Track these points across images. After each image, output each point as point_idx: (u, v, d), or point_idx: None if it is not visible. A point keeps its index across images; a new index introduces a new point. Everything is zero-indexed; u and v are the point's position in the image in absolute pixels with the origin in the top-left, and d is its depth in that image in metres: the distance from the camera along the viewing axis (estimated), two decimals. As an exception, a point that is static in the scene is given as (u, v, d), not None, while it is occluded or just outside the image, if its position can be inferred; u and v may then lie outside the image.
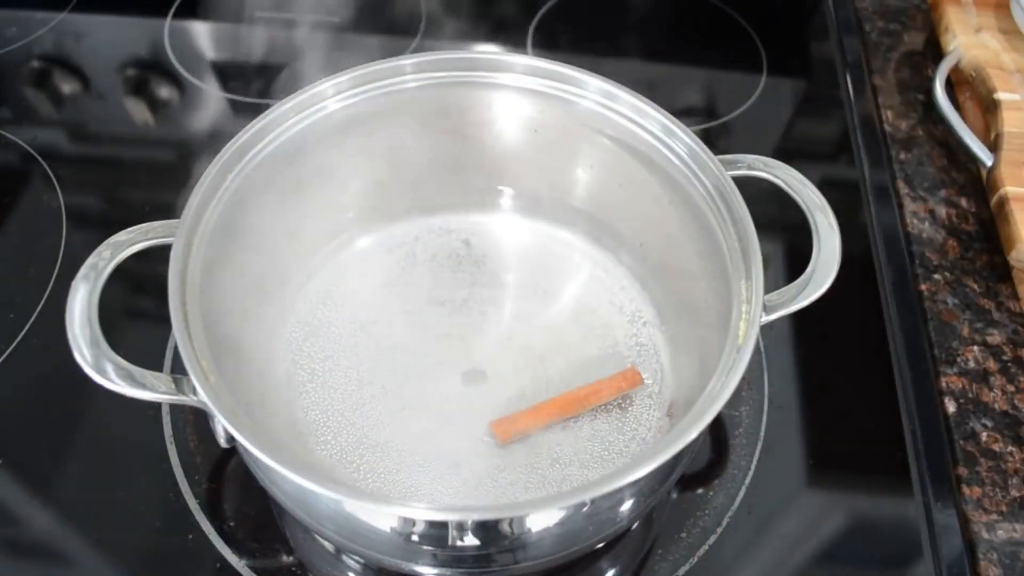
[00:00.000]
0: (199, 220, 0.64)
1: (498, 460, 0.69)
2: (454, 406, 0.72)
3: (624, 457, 0.70)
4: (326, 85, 0.73)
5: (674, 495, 0.71)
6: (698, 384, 0.62)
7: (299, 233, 0.76)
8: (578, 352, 0.76)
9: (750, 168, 0.70)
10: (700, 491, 0.72)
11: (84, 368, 0.57)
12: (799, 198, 0.68)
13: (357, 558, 0.67)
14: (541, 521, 0.56)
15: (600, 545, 0.66)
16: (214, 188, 0.66)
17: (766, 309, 0.62)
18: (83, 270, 0.60)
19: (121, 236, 0.62)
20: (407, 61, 0.75)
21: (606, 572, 0.69)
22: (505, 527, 0.56)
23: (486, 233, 0.83)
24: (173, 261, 0.61)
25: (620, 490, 0.55)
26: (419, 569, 0.60)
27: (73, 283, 0.59)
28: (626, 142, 0.74)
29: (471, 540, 0.57)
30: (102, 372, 0.57)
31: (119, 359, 0.58)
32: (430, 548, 0.58)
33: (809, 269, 0.65)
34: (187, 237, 0.63)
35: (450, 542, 0.57)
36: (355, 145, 0.77)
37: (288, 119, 0.71)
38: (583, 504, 0.55)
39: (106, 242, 0.61)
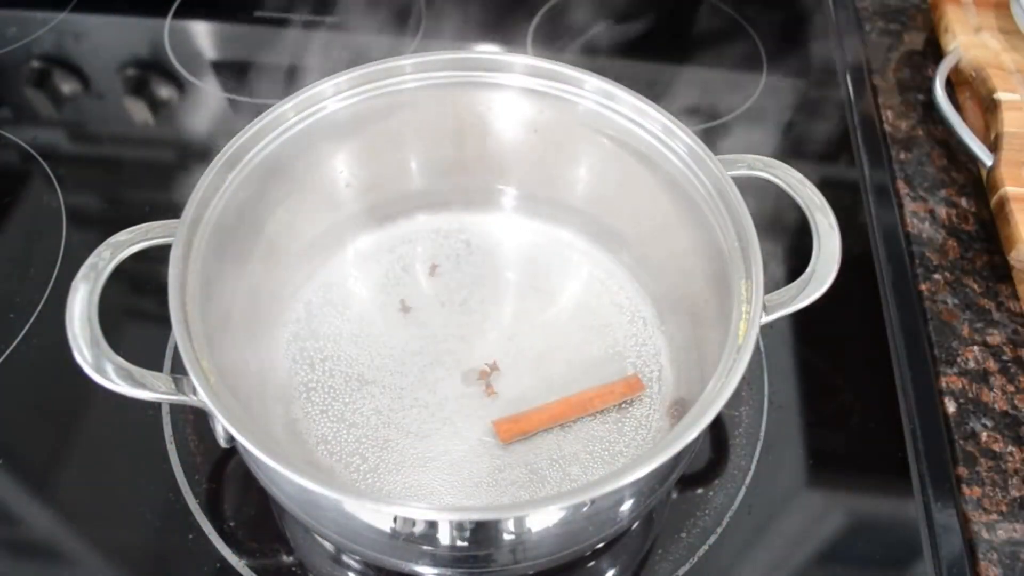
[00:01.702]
0: (199, 220, 0.64)
1: (498, 460, 0.69)
2: (454, 406, 0.72)
3: (624, 457, 0.70)
4: (326, 85, 0.73)
5: (674, 495, 0.71)
6: (698, 384, 0.62)
7: (299, 233, 0.76)
8: (578, 352, 0.76)
9: (750, 168, 0.70)
10: (700, 491, 0.72)
11: (84, 368, 0.57)
12: (799, 198, 0.68)
13: (357, 558, 0.67)
14: (541, 521, 0.56)
15: (600, 545, 0.66)
16: (214, 188, 0.66)
17: (766, 309, 0.62)
18: (83, 270, 0.60)
19: (121, 236, 0.62)
20: (407, 61, 0.75)
21: (606, 572, 0.68)
22: (505, 527, 0.56)
23: (486, 233, 0.83)
24: (173, 261, 0.61)
25: (620, 490, 0.55)
26: (419, 569, 0.60)
27: (73, 283, 0.59)
28: (626, 142, 0.74)
29: (471, 540, 0.57)
30: (102, 372, 0.57)
31: (119, 359, 0.58)
32: (430, 548, 0.58)
33: (809, 269, 0.65)
34: (187, 237, 0.63)
35: (450, 542, 0.57)
36: (355, 145, 0.77)
37: (288, 119, 0.71)
38: (583, 504, 0.55)
39: (106, 242, 0.62)
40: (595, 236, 0.82)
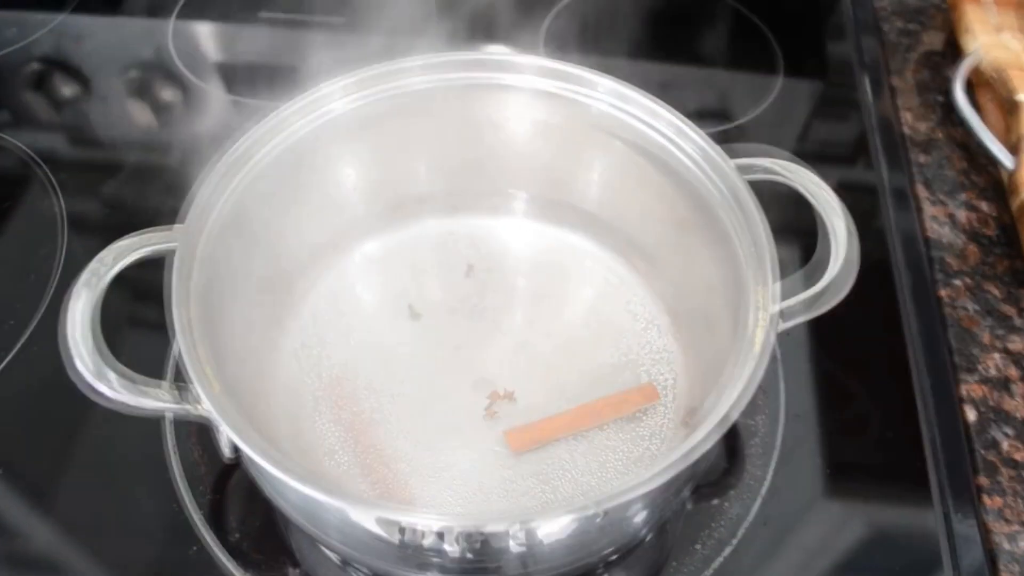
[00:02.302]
0: (202, 226, 0.64)
1: (509, 470, 0.69)
2: (464, 415, 0.72)
3: (638, 467, 0.69)
4: (333, 87, 0.73)
5: (689, 506, 0.71)
6: (714, 393, 0.62)
7: (304, 238, 0.76)
8: (591, 360, 0.75)
9: (766, 171, 0.69)
10: (715, 502, 0.71)
11: (85, 376, 0.56)
12: (815, 201, 0.67)
13: (364, 569, 0.67)
14: (552, 532, 0.56)
15: (614, 556, 0.65)
16: (217, 193, 0.66)
17: (783, 316, 0.61)
18: (84, 276, 0.59)
19: (123, 242, 0.62)
20: (415, 63, 0.75)
21: (619, 584, 0.68)
22: (515, 537, 0.55)
23: (496, 237, 0.83)
24: (176, 268, 0.60)
25: (633, 501, 0.55)
26: (428, 579, 0.60)
27: (74, 289, 0.59)
28: (639, 144, 0.74)
29: (481, 551, 0.57)
30: (104, 381, 0.56)
31: (122, 367, 0.57)
32: (438, 559, 0.58)
33: (827, 276, 0.64)
34: (189, 243, 0.63)
35: (459, 553, 0.57)
36: (362, 148, 0.77)
37: (295, 122, 0.72)
38: (596, 515, 0.54)
39: (108, 248, 0.61)
40: (607, 241, 0.81)
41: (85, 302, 0.58)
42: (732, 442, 0.74)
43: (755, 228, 0.65)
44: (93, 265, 0.60)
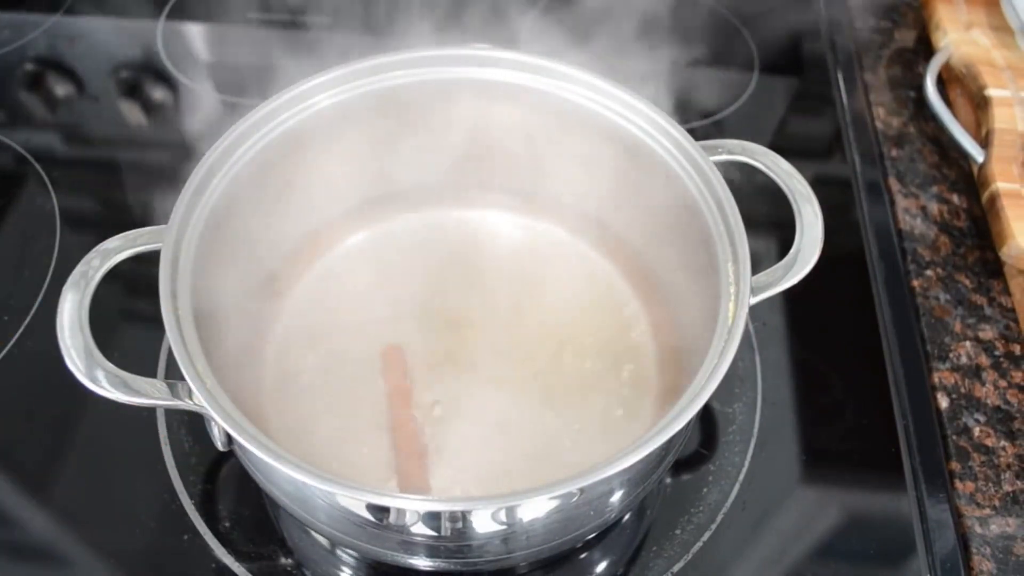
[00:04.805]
0: (187, 224, 0.64)
1: (494, 455, 0.69)
2: (448, 404, 0.72)
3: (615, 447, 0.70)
4: (314, 82, 0.72)
5: (668, 491, 0.72)
6: (690, 371, 0.62)
7: (289, 232, 0.76)
8: (570, 341, 0.76)
9: (729, 152, 0.70)
10: (694, 488, 0.72)
11: (77, 376, 0.56)
12: (773, 174, 0.68)
13: (354, 555, 0.68)
14: (533, 511, 0.56)
15: (592, 536, 0.66)
16: (201, 190, 0.66)
17: (754, 291, 0.62)
18: (72, 278, 0.59)
19: (110, 244, 0.61)
20: (395, 57, 0.74)
21: (600, 570, 0.69)
22: (497, 517, 0.56)
23: (475, 230, 0.83)
24: (163, 267, 0.60)
25: (610, 479, 0.55)
26: (414, 561, 0.61)
27: (62, 291, 0.58)
28: (613, 135, 0.74)
29: (463, 530, 0.57)
30: (95, 380, 0.56)
31: (111, 366, 0.57)
32: (424, 540, 0.58)
33: (794, 248, 0.65)
34: (175, 242, 0.62)
35: (443, 532, 0.57)
36: (345, 142, 0.76)
37: (275, 118, 0.71)
38: (572, 494, 0.55)
39: (95, 249, 0.61)
40: (585, 231, 0.82)
41: (73, 304, 0.58)
42: (710, 429, 0.75)
43: (723, 207, 0.65)
44: (80, 268, 0.60)
